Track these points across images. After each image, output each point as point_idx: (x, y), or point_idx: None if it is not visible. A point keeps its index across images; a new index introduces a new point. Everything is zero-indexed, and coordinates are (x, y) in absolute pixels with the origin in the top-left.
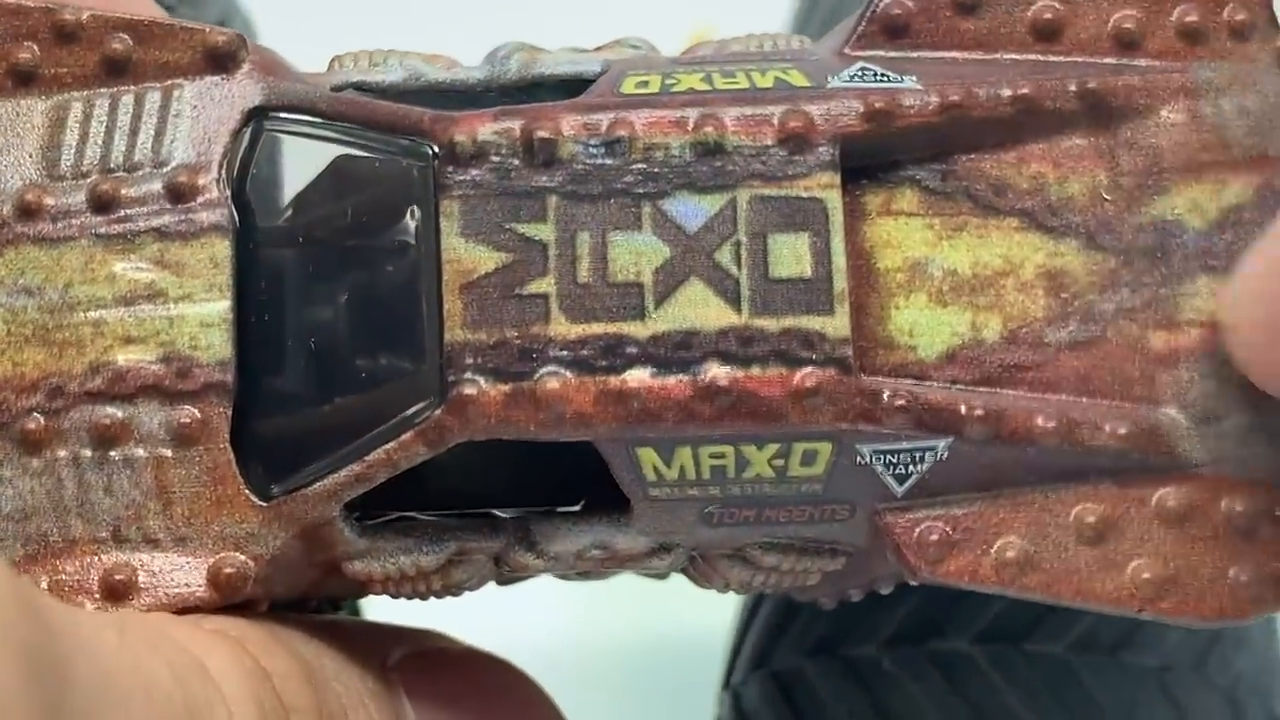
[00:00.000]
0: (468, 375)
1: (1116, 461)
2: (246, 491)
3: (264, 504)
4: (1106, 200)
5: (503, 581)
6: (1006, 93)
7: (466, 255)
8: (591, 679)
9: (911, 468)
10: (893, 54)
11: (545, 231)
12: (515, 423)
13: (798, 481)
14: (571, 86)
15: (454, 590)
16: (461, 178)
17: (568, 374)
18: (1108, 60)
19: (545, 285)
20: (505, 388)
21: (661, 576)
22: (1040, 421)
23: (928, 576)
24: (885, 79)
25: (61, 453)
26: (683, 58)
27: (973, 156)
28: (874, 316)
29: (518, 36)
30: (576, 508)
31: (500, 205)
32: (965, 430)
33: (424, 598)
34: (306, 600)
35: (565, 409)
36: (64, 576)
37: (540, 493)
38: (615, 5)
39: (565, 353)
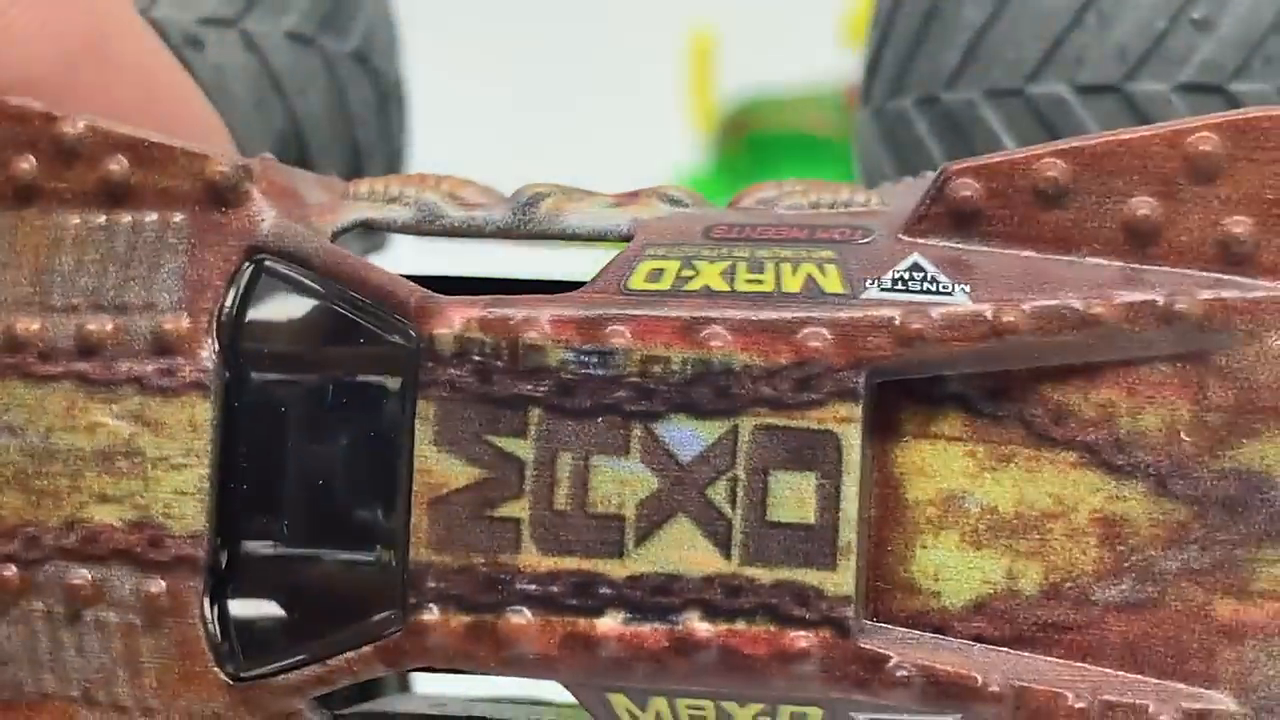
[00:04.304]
0: (428, 601)
1: None
2: (215, 670)
3: (233, 684)
4: (1186, 439)
5: None
6: (1074, 312)
7: (438, 467)
8: None
9: None
10: (957, 244)
11: (524, 448)
12: (474, 657)
13: None
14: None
15: None
16: (440, 376)
17: (533, 612)
18: (1209, 272)
19: (518, 509)
20: (465, 619)
21: None
22: (1070, 701)
23: None
24: (933, 288)
25: (36, 605)
26: (719, 225)
27: (1031, 376)
28: (896, 554)
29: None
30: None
31: (479, 413)
32: (978, 709)
33: None
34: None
35: (528, 650)
36: None
37: None
38: (616, 7)
39: (533, 587)
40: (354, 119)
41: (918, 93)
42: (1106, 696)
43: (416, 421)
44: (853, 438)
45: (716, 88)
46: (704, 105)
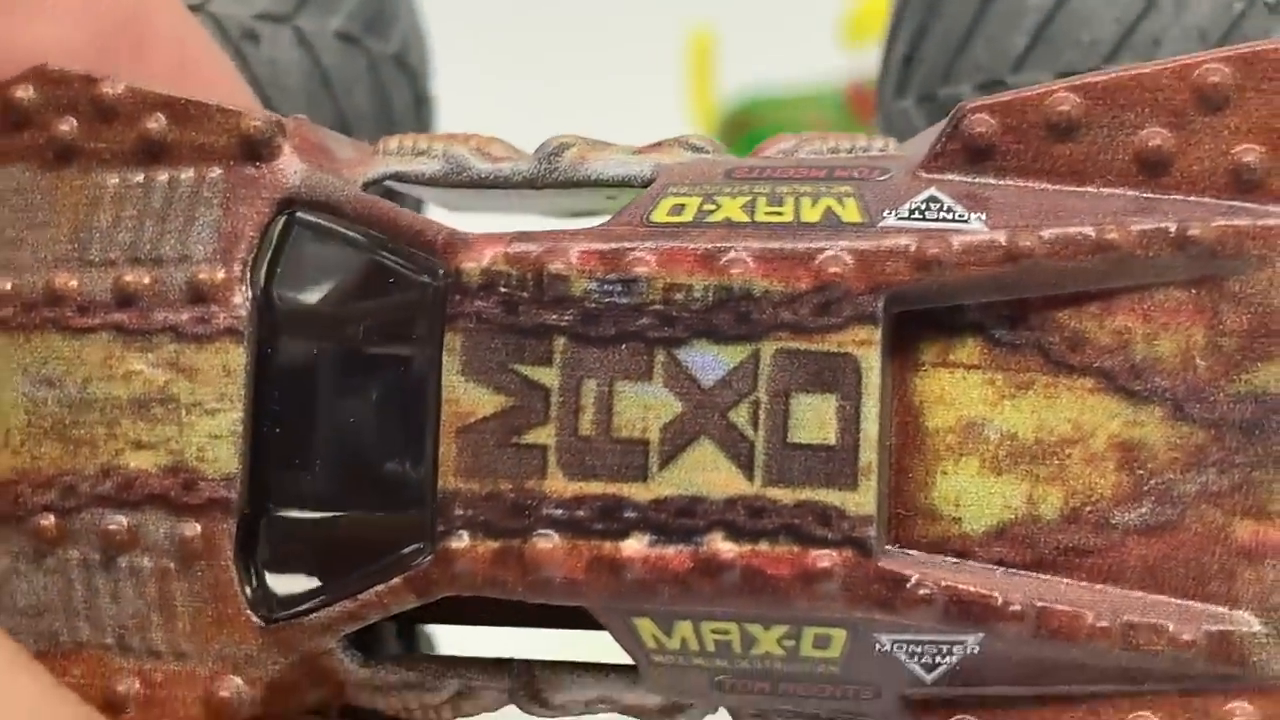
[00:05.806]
0: (457, 528)
1: (1179, 668)
2: (248, 612)
3: (265, 626)
4: (1201, 364)
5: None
6: (1089, 238)
7: (465, 396)
8: None
9: (940, 659)
10: (972, 178)
11: (549, 376)
12: (502, 583)
13: (812, 662)
14: (620, 188)
15: (467, 717)
16: (467, 308)
17: (560, 536)
18: (1221, 200)
19: (544, 435)
20: (494, 545)
21: None
22: (1090, 620)
23: None
24: (949, 216)
25: (72, 554)
26: (740, 168)
27: (1048, 304)
28: (916, 481)
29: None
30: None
31: (504, 343)
32: (999, 627)
33: None
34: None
35: (555, 574)
36: (71, 679)
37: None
38: (615, 6)
39: (559, 512)
40: (395, 120)
41: (977, 78)
42: (1128, 617)
43: (444, 353)
44: (872, 360)
45: (716, 88)
46: (704, 105)
